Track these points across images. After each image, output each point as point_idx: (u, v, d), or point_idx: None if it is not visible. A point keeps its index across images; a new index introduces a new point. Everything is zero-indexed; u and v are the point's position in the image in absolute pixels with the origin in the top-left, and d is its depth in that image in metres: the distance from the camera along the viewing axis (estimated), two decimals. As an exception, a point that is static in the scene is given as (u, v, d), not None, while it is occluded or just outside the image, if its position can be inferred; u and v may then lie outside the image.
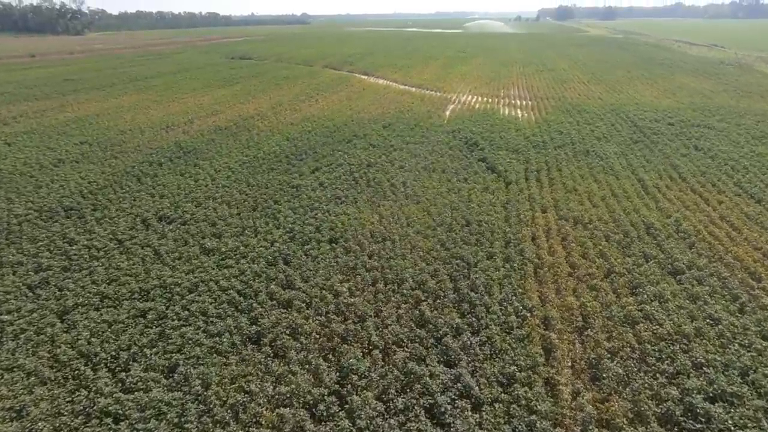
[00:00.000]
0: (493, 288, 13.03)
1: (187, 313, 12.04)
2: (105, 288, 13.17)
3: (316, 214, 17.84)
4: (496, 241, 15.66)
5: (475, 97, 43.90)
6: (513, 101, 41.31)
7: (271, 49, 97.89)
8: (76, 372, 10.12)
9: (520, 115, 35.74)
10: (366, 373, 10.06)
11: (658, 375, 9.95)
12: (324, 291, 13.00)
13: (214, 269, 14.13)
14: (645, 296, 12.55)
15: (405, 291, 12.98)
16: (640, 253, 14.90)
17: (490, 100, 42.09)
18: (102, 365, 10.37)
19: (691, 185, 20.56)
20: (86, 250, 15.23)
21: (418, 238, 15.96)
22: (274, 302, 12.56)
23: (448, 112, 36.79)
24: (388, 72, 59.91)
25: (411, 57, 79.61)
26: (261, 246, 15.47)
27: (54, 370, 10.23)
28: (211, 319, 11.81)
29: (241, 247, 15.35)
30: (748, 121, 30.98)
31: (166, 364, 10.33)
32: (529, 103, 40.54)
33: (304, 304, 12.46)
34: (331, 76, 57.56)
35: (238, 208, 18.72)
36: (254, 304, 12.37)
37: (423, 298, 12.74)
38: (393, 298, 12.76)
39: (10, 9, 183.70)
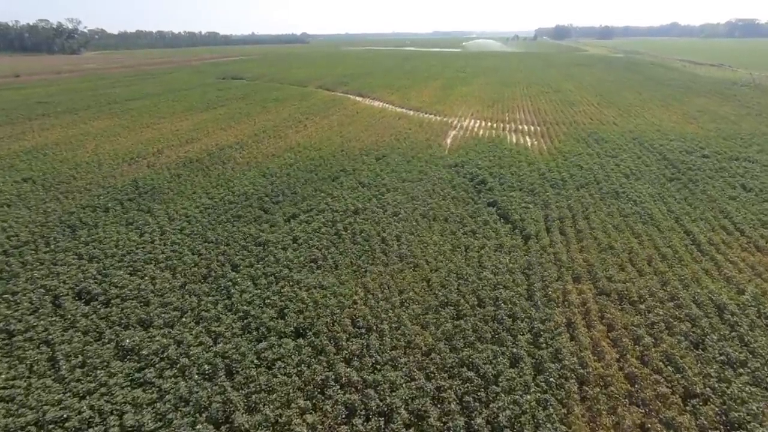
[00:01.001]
0: (525, 426, 8.87)
1: (58, 483, 7.83)
2: (-46, 427, 8.99)
3: (283, 288, 13.74)
4: (519, 334, 11.57)
5: (478, 121, 40.30)
6: (520, 126, 37.62)
7: (265, 69, 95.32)
8: None
9: (530, 144, 32.00)
10: None
11: None
12: (275, 433, 8.83)
13: (123, 388, 9.95)
14: (754, 447, 8.39)
15: (395, 433, 8.82)
16: (720, 355, 10.79)
17: (494, 125, 38.43)
18: None
19: (754, 240, 16.56)
20: (-44, 352, 11.08)
21: (415, 329, 11.84)
22: (198, 458, 8.38)
23: (449, 140, 33.05)
24: (384, 93, 56.61)
25: (409, 77, 76.72)
26: (199, 343, 11.34)
27: None
28: (90, 499, 7.60)
29: (172, 347, 11.18)
30: (791, 153, 27.20)
31: None
32: (538, 128, 36.87)
33: (241, 463, 8.28)
34: (324, 98, 54.18)
35: (184, 276, 14.61)
36: (166, 463, 8.19)
37: (421, 448, 8.58)
38: (377, 448, 8.58)
39: (6, 29, 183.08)
